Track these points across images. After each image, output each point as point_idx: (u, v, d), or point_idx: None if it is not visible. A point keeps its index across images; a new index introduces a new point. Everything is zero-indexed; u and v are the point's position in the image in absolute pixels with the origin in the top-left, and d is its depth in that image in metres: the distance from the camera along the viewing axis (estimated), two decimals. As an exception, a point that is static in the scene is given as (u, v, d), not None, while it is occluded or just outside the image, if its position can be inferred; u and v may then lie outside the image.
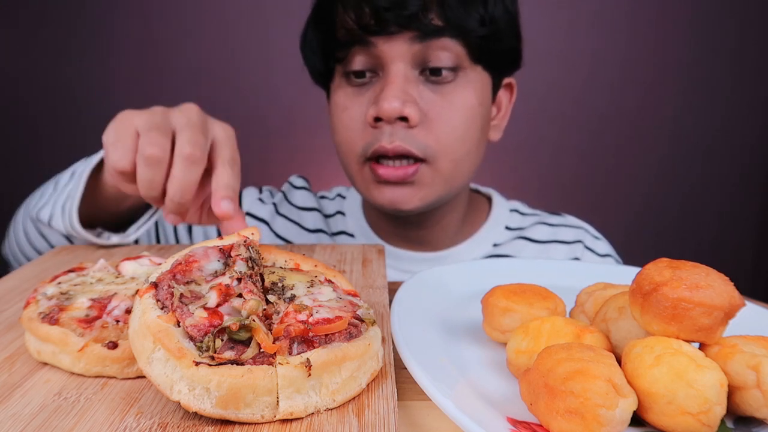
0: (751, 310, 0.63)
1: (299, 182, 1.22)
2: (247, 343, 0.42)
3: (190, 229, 1.14)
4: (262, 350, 0.42)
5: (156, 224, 1.12)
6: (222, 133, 0.66)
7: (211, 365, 0.40)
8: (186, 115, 0.64)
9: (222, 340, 0.41)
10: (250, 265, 0.48)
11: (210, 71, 2.48)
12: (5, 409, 0.42)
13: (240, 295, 0.45)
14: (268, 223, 1.13)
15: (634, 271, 0.74)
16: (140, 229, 0.85)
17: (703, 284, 0.44)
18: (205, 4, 2.45)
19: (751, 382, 0.42)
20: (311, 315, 0.44)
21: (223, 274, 0.47)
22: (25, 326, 0.50)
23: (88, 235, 0.81)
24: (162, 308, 0.43)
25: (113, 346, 0.47)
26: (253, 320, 0.42)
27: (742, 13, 2.56)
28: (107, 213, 0.86)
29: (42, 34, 2.39)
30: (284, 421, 0.41)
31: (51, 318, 0.49)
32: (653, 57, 2.59)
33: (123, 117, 0.65)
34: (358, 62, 0.90)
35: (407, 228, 1.06)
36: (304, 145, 2.55)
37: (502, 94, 1.03)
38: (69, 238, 0.86)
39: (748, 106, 2.68)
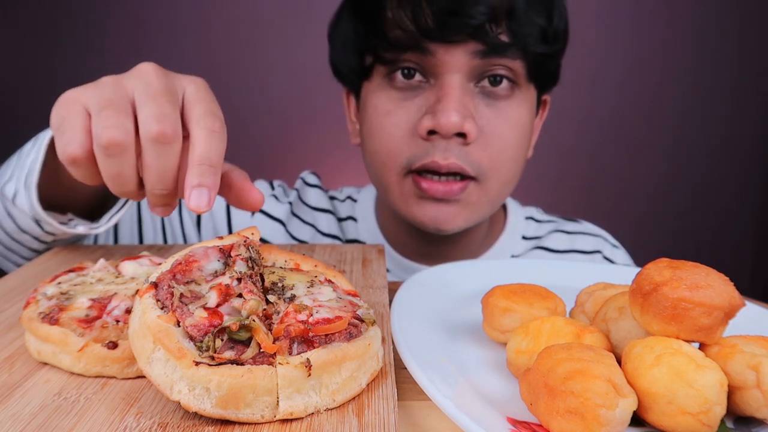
0: (751, 310, 0.63)
1: (312, 179, 1.15)
2: (247, 343, 0.42)
3: (198, 223, 1.07)
4: (262, 350, 0.42)
5: (162, 219, 1.03)
6: (192, 86, 0.54)
7: (211, 365, 0.40)
8: (144, 81, 0.52)
9: (222, 340, 0.41)
10: (250, 265, 0.48)
11: (216, 68, 2.48)
12: (5, 409, 0.42)
13: (240, 295, 0.45)
14: (284, 223, 1.07)
15: (634, 271, 0.74)
16: (113, 218, 0.75)
17: (703, 284, 0.44)
18: (197, 5, 2.45)
19: (751, 382, 0.42)
20: (311, 315, 0.44)
21: (223, 274, 0.47)
22: (25, 326, 0.50)
23: (50, 219, 0.72)
24: (162, 308, 0.43)
25: (113, 346, 0.47)
26: (253, 320, 0.42)
27: (745, 13, 2.56)
28: (77, 193, 0.75)
29: (39, 35, 2.39)
30: (284, 421, 0.41)
31: (51, 318, 0.49)
32: (655, 58, 2.59)
33: (67, 96, 0.54)
34: (410, 64, 0.83)
35: (429, 244, 1.01)
36: (308, 142, 2.55)
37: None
38: (39, 223, 0.75)
39: (749, 106, 2.68)
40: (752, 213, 2.81)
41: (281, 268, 0.55)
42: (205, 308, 0.43)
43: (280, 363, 0.41)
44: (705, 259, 0.48)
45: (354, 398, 0.44)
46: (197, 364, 0.39)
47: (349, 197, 1.14)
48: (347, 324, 0.45)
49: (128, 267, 0.58)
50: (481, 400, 0.46)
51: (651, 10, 2.54)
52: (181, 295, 0.44)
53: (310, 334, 0.43)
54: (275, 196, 1.10)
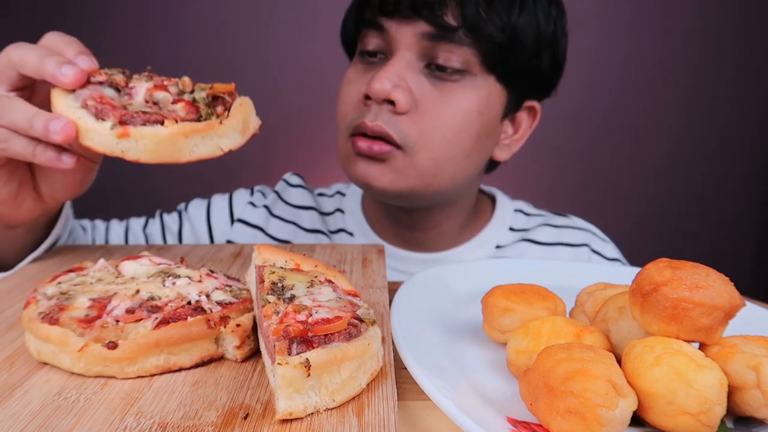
0: (751, 310, 0.63)
1: (295, 180, 1.19)
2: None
3: (180, 234, 1.12)
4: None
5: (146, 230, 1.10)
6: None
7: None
8: None
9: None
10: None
11: (207, 69, 2.48)
12: (5, 409, 0.42)
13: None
14: (262, 228, 1.11)
15: (634, 271, 0.74)
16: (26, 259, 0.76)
17: (703, 284, 0.44)
18: (202, 3, 2.45)
19: (751, 382, 0.42)
20: (311, 315, 0.44)
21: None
22: (25, 326, 0.50)
23: None
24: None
25: (113, 346, 0.47)
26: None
27: (744, 15, 2.56)
28: None
29: (37, 33, 2.39)
30: (284, 421, 0.41)
31: (51, 318, 0.49)
32: (655, 59, 2.60)
33: None
34: (371, 43, 0.90)
35: (405, 229, 1.05)
36: (303, 144, 2.55)
37: (524, 116, 0.99)
38: None
39: (749, 106, 2.68)
40: (752, 213, 2.81)
41: (281, 268, 0.55)
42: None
43: (279, 363, 0.41)
44: (705, 259, 0.48)
45: (354, 398, 0.44)
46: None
47: (338, 192, 1.18)
48: (347, 324, 0.45)
49: (128, 267, 0.58)
50: (481, 400, 0.46)
51: (648, 10, 2.54)
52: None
53: (310, 334, 0.43)
54: (252, 203, 1.14)
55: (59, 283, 0.55)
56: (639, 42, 2.57)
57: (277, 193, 1.16)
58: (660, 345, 0.42)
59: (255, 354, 0.52)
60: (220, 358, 0.51)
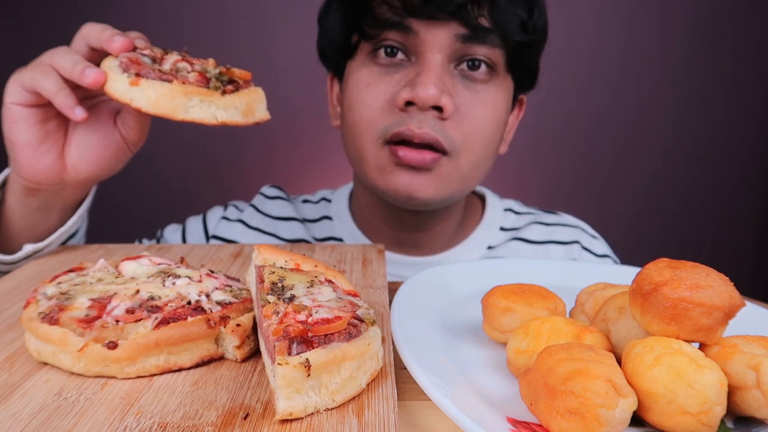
0: (751, 310, 0.63)
1: (272, 192, 1.17)
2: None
3: (184, 238, 1.12)
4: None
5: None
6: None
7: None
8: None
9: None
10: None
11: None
12: (5, 409, 0.42)
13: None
14: (238, 242, 1.07)
15: (634, 271, 0.74)
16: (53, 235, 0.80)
17: (703, 284, 0.44)
18: (197, 5, 2.45)
19: (751, 382, 0.42)
20: (310, 315, 0.44)
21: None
22: (25, 326, 0.50)
23: None
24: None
25: (113, 346, 0.47)
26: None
27: (742, 12, 2.56)
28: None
29: (37, 32, 2.39)
30: (284, 421, 0.41)
31: (51, 318, 0.49)
32: (653, 57, 2.59)
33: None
34: (392, 42, 0.87)
35: (404, 231, 1.03)
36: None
37: (515, 109, 1.02)
38: None
39: (748, 105, 2.68)
40: (752, 213, 2.81)
41: (281, 268, 0.55)
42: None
43: (279, 363, 0.41)
44: (705, 260, 0.48)
45: (354, 398, 0.44)
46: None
47: (323, 198, 1.16)
48: (347, 324, 0.45)
49: (128, 267, 0.58)
50: (481, 400, 0.46)
51: (646, 8, 2.54)
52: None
53: (310, 334, 0.43)
54: (226, 218, 1.12)
55: (59, 283, 0.56)
56: (637, 41, 2.57)
57: (253, 206, 1.14)
58: (660, 345, 0.42)
59: (255, 354, 0.52)
60: (220, 358, 0.51)
